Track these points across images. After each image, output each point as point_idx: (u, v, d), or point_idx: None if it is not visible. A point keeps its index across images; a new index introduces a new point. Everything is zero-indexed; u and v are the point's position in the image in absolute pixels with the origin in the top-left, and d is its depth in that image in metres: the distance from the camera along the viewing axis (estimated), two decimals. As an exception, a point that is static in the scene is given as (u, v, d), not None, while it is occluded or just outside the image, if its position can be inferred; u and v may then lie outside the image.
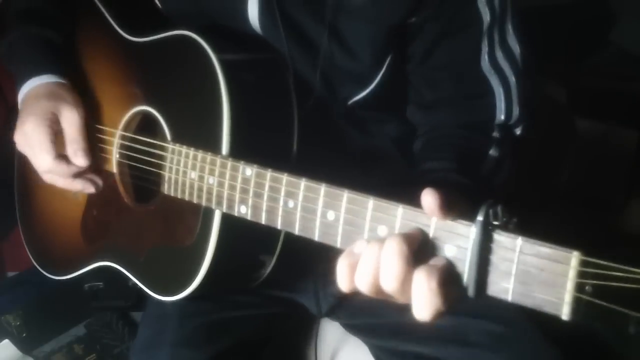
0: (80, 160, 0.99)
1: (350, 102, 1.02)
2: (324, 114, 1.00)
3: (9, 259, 1.84)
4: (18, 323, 1.64)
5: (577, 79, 2.26)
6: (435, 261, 0.61)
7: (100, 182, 1.04)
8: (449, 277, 0.60)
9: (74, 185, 1.03)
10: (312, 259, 1.05)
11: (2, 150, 1.27)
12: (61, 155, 0.99)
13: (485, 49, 0.96)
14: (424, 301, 0.59)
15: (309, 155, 0.90)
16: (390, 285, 0.61)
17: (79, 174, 1.02)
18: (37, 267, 1.20)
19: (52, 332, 1.68)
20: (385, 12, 0.93)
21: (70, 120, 0.99)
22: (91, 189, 1.04)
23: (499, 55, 0.97)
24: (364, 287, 0.64)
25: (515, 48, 0.98)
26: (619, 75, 2.34)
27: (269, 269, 0.95)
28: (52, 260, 1.19)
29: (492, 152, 0.98)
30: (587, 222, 1.81)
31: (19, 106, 1.04)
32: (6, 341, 1.59)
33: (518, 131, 1.01)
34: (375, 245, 0.63)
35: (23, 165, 1.23)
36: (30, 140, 0.98)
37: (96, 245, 1.09)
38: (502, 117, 0.99)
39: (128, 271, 1.02)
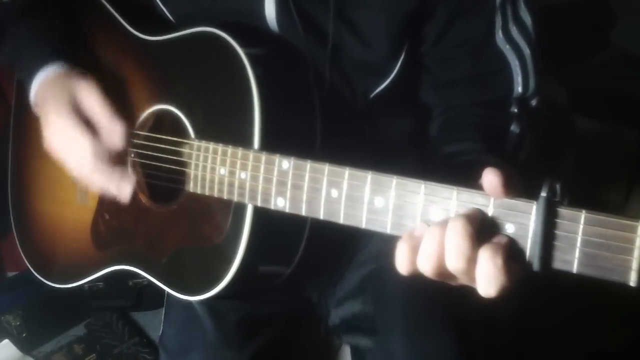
0: (116, 125, 0.92)
1: (372, 95, 1.02)
2: (341, 107, 1.00)
3: (9, 259, 1.84)
4: (18, 323, 1.64)
5: (577, 79, 2.26)
6: (498, 239, 0.62)
7: (132, 181, 0.93)
8: (513, 254, 0.61)
9: (113, 176, 0.92)
10: (322, 258, 1.06)
11: (2, 149, 1.27)
12: (95, 133, 0.92)
13: (498, 24, 0.97)
14: (490, 279, 0.60)
15: (325, 146, 0.90)
16: (456, 265, 0.62)
17: (116, 161, 0.93)
18: (41, 278, 1.17)
19: (52, 332, 1.68)
20: (398, 0, 0.93)
21: (89, 95, 0.94)
22: (127, 187, 0.92)
23: (513, 29, 0.98)
24: (427, 268, 0.64)
25: (527, 20, 0.99)
26: (619, 75, 2.35)
27: (294, 264, 0.95)
28: (57, 269, 1.16)
29: (514, 127, 0.99)
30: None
31: (33, 106, 1.00)
32: (6, 341, 1.59)
33: (534, 102, 1.02)
34: (437, 227, 0.63)
35: (19, 175, 1.22)
36: (63, 135, 0.92)
37: (110, 250, 1.07)
38: (520, 90, 1.00)
39: (147, 273, 1.00)
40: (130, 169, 1.01)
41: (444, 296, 0.77)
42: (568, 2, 2.38)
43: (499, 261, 0.60)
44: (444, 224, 0.63)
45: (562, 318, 1.71)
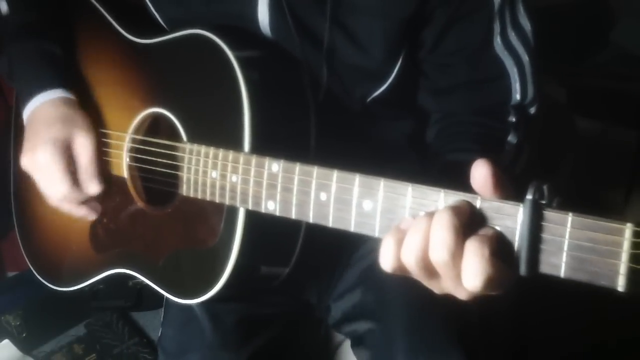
0: (92, 188, 1.00)
1: (369, 99, 1.02)
2: (338, 110, 0.99)
3: (9, 259, 1.84)
4: (18, 323, 1.64)
5: (577, 79, 2.26)
6: (486, 231, 0.61)
7: (99, 208, 1.05)
8: (500, 248, 0.60)
9: (79, 211, 1.03)
10: (321, 259, 1.06)
11: (2, 149, 1.28)
12: (74, 182, 0.98)
13: (497, 29, 0.96)
14: (476, 268, 0.59)
15: (322, 149, 0.90)
16: (440, 257, 0.60)
17: (86, 201, 1.02)
18: (42, 280, 1.18)
19: (52, 332, 1.69)
20: (395, 6, 0.92)
21: (84, 147, 0.99)
22: (93, 216, 1.05)
23: (512, 35, 0.97)
24: (412, 260, 0.63)
25: (527, 26, 0.98)
26: (619, 75, 2.34)
27: (291, 266, 0.95)
28: (58, 272, 1.17)
29: (511, 138, 0.98)
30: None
31: (25, 124, 1.03)
32: (6, 341, 1.59)
33: (532, 110, 1.01)
34: (424, 218, 0.62)
35: (21, 176, 1.22)
36: (44, 169, 0.97)
37: (108, 254, 1.07)
38: (518, 97, 0.99)
39: (145, 276, 1.01)
40: (125, 177, 1.03)
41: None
42: (568, 2, 2.38)
43: (485, 251, 0.58)
44: (431, 215, 0.62)
45: (561, 315, 1.71)
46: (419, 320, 0.96)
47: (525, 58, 0.98)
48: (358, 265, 1.08)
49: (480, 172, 0.61)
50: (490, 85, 0.99)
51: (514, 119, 0.99)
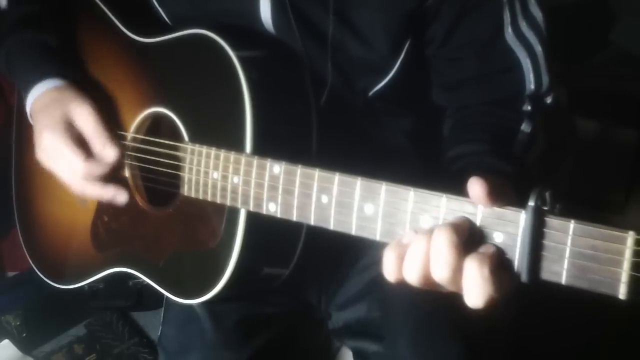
0: (110, 151, 0.96)
1: (370, 93, 1.02)
2: (340, 107, 0.99)
3: (9, 259, 1.84)
4: (18, 323, 1.65)
5: (577, 79, 2.25)
6: (486, 249, 0.61)
7: (126, 193, 1.00)
8: (500, 264, 0.61)
9: (106, 191, 0.98)
10: (321, 261, 1.06)
11: (2, 149, 1.28)
12: (90, 156, 0.96)
13: (507, 20, 0.95)
14: (476, 289, 0.60)
15: (324, 148, 0.90)
16: (442, 275, 0.61)
17: (109, 177, 0.99)
18: (43, 277, 1.18)
19: (52, 332, 1.69)
20: (394, 0, 0.92)
21: (84, 117, 0.97)
22: (123, 197, 0.99)
23: (523, 24, 0.96)
24: (413, 277, 0.64)
25: (538, 15, 0.97)
26: (619, 75, 2.34)
27: (291, 266, 0.95)
28: (59, 269, 1.17)
29: (524, 127, 0.97)
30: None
31: (29, 119, 1.02)
32: (6, 341, 1.60)
33: (549, 100, 1.00)
34: (424, 236, 0.63)
35: (23, 172, 1.22)
36: (55, 152, 0.96)
37: (109, 252, 1.07)
38: (532, 87, 0.98)
39: (145, 276, 1.01)
40: (127, 177, 1.02)
41: (449, 300, 0.77)
42: (568, 3, 2.38)
43: (485, 271, 0.59)
44: (430, 232, 0.62)
45: (564, 326, 1.71)
46: (426, 342, 0.96)
47: (538, 48, 0.96)
48: (362, 276, 1.08)
49: (474, 190, 0.61)
50: (500, 78, 0.99)
51: (529, 108, 0.98)
